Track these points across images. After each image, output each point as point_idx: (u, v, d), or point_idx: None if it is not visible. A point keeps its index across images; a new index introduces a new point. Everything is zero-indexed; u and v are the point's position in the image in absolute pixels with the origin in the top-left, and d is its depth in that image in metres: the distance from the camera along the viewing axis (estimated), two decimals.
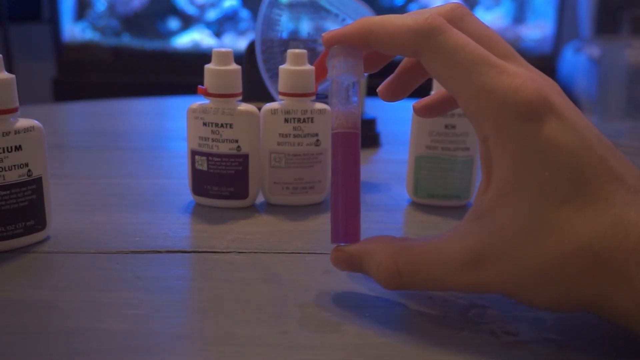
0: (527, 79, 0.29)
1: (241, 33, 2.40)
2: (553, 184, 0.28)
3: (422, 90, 0.40)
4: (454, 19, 0.32)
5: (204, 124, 0.48)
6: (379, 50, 0.33)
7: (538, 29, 2.36)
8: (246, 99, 0.51)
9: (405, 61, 0.37)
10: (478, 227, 0.30)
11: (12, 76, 0.38)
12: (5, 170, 0.39)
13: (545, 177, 0.28)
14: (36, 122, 0.40)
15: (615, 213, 0.27)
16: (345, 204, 0.33)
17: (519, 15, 2.40)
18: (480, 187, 0.33)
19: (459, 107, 0.38)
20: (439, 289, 0.32)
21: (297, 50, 0.48)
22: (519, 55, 0.32)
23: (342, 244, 0.34)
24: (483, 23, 0.33)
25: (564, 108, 0.29)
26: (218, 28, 2.41)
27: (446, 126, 0.49)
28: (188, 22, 2.41)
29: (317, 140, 0.49)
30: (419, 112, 0.39)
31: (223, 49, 0.47)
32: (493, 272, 0.29)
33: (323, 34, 0.35)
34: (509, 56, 0.31)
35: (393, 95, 0.37)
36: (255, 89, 0.65)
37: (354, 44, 0.34)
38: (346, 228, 0.34)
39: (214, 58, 0.47)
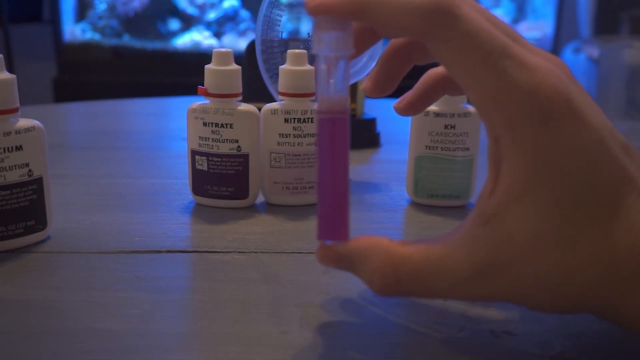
0: (546, 72, 0.27)
1: (241, 33, 2.40)
2: (566, 191, 0.26)
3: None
4: None
5: (204, 124, 0.48)
6: (375, 29, 0.29)
7: (537, 29, 2.36)
8: (246, 99, 0.51)
9: (388, 49, 0.34)
10: (486, 235, 0.28)
11: (13, 76, 0.39)
12: (6, 170, 0.39)
13: (559, 184, 0.26)
14: (37, 122, 0.40)
15: (626, 220, 0.26)
16: (334, 198, 0.29)
17: (519, 15, 2.41)
18: (485, 188, 0.30)
19: (440, 97, 0.36)
20: (440, 298, 0.30)
21: (297, 50, 0.48)
22: (522, 37, 0.30)
23: (330, 243, 0.30)
24: (481, 6, 0.30)
25: (582, 104, 0.27)
26: (218, 28, 2.41)
27: (446, 126, 0.49)
28: (188, 22, 2.41)
29: None
30: (403, 110, 0.37)
31: (223, 49, 0.47)
32: (500, 284, 0.28)
33: (307, 1, 0.29)
34: (515, 39, 0.29)
35: (379, 89, 0.35)
36: (255, 89, 0.65)
37: (345, 17, 0.29)
38: (335, 225, 0.30)
39: (214, 58, 0.47)
